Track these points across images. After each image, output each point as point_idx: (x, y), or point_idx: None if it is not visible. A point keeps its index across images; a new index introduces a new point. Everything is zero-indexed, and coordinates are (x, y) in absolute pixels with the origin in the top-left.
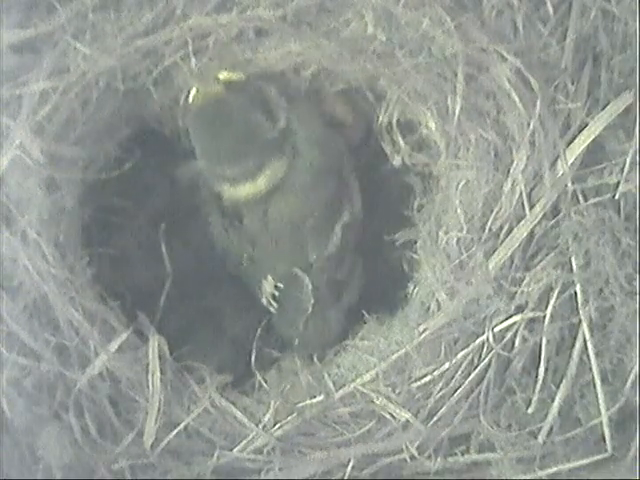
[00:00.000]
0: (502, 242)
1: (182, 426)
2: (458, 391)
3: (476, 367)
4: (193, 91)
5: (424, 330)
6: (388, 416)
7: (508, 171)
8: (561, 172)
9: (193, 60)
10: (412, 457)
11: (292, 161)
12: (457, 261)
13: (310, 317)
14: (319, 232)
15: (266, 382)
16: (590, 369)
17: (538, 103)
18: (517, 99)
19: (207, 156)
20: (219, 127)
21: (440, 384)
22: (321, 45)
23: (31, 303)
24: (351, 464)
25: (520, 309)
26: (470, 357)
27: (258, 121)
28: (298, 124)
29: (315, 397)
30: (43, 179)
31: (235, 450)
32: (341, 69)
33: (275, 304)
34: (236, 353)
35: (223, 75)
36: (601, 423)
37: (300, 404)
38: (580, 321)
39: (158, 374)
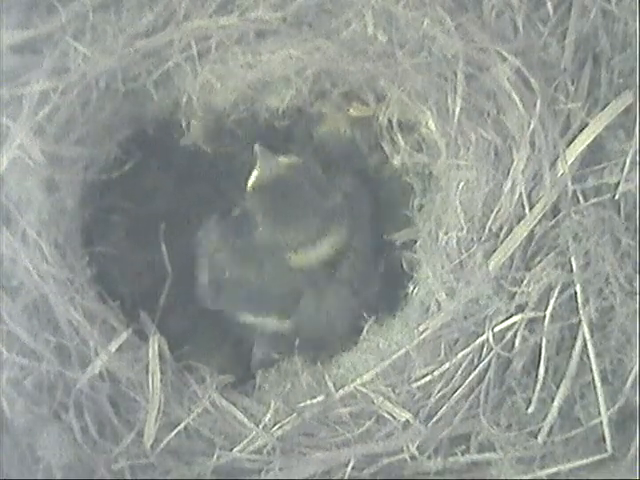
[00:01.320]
0: (502, 242)
1: (182, 426)
2: (458, 391)
3: (476, 367)
4: (255, 173)
5: (424, 330)
6: (388, 416)
7: (508, 171)
8: (561, 172)
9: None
10: (412, 457)
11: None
12: (457, 261)
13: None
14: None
15: (266, 382)
16: (590, 369)
17: (538, 103)
18: (517, 99)
19: (273, 228)
20: (285, 203)
21: (440, 384)
22: (321, 46)
23: (31, 303)
24: (351, 464)
25: (520, 309)
26: (470, 357)
27: (316, 195)
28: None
29: (315, 397)
30: (43, 179)
31: (235, 450)
32: (342, 69)
33: None
34: (236, 353)
35: (284, 159)
36: (601, 423)
37: (300, 404)
38: (580, 321)
39: (158, 374)
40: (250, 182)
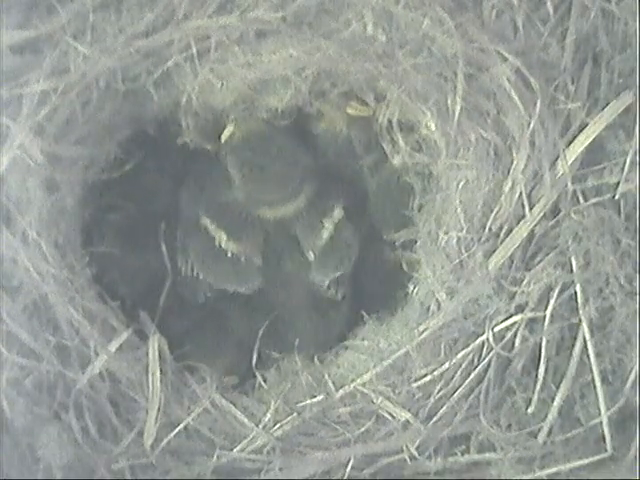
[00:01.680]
0: (502, 242)
1: (182, 426)
2: (458, 391)
3: (476, 367)
4: (228, 131)
5: (424, 330)
6: (388, 416)
7: (508, 171)
8: (561, 172)
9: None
10: (412, 457)
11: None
12: (457, 261)
13: (311, 316)
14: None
15: (266, 382)
16: (590, 369)
17: (538, 103)
18: (517, 99)
19: (250, 185)
20: (262, 158)
21: (440, 384)
22: (321, 46)
23: (31, 303)
24: (351, 464)
25: (520, 309)
26: (470, 357)
27: (294, 151)
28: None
29: (315, 397)
30: (43, 179)
31: (235, 450)
32: (341, 69)
33: None
34: (237, 353)
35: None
36: (601, 423)
37: (300, 404)
38: (580, 321)
39: (158, 374)
40: (224, 136)
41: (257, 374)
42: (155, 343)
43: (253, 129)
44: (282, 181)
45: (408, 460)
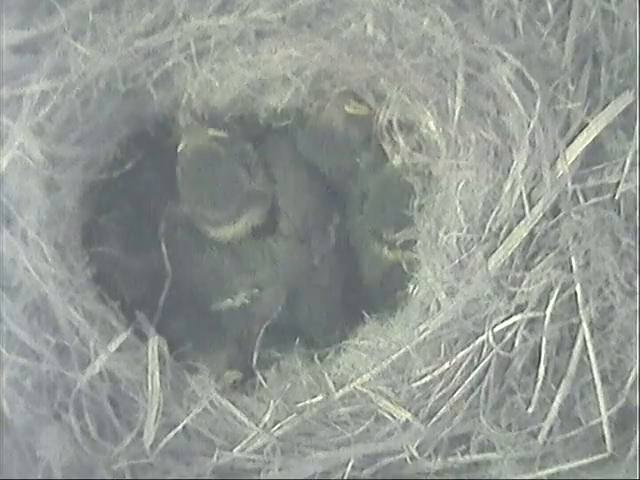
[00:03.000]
0: (502, 242)
1: (181, 426)
2: (458, 391)
3: (476, 367)
4: (182, 143)
5: (424, 330)
6: (388, 416)
7: (508, 171)
8: (561, 172)
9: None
10: (412, 457)
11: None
12: (457, 261)
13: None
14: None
15: (266, 382)
16: (590, 369)
17: (538, 103)
18: (517, 99)
19: (192, 200)
20: (205, 176)
21: (440, 384)
22: (321, 46)
23: (31, 303)
24: (351, 464)
25: (520, 309)
26: (470, 357)
27: (239, 174)
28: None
29: (315, 397)
30: (43, 179)
31: (235, 450)
32: (341, 70)
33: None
34: (236, 353)
35: (211, 131)
36: (601, 423)
37: (300, 404)
38: (580, 321)
39: (157, 374)
40: (179, 148)
41: (257, 374)
42: (154, 343)
43: (204, 146)
44: (220, 202)
45: (408, 460)
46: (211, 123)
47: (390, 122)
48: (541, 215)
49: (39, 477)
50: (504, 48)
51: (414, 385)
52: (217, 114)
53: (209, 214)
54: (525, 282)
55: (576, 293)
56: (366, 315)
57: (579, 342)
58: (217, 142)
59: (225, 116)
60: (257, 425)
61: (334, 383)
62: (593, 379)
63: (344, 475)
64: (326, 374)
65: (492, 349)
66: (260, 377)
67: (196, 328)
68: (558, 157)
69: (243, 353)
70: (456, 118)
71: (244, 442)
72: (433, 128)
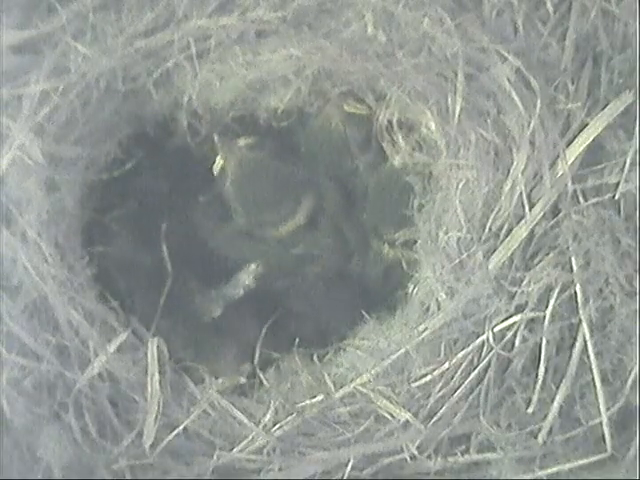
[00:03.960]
0: (502, 242)
1: (181, 427)
2: (458, 391)
3: (476, 367)
4: (219, 161)
5: (424, 330)
6: (388, 416)
7: (508, 171)
8: (561, 172)
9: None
10: (412, 457)
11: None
12: (457, 261)
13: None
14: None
15: (266, 382)
16: (590, 369)
17: (538, 103)
18: (517, 99)
19: (251, 211)
20: (257, 184)
21: (440, 384)
22: (321, 46)
23: (31, 303)
24: (351, 464)
25: (520, 309)
26: (470, 357)
27: (284, 169)
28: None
29: (315, 397)
30: (43, 179)
31: (235, 450)
32: (341, 69)
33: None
34: (236, 353)
35: (242, 141)
36: (601, 423)
37: (300, 404)
38: (580, 321)
39: (157, 375)
40: (215, 170)
41: (259, 374)
42: (154, 344)
43: (244, 159)
44: (279, 202)
45: (408, 460)
46: (241, 132)
47: (390, 122)
48: (541, 215)
49: (39, 477)
50: (504, 48)
51: (414, 385)
52: (217, 114)
53: (271, 217)
54: (525, 282)
55: (576, 293)
56: (366, 315)
57: (579, 342)
58: (251, 149)
59: (225, 116)
60: (257, 425)
61: (334, 383)
62: (593, 379)
63: (344, 475)
64: (326, 374)
65: (492, 349)
66: (260, 377)
67: (196, 328)
68: (558, 157)
69: (243, 353)
70: (456, 118)
71: (244, 442)
72: (433, 128)
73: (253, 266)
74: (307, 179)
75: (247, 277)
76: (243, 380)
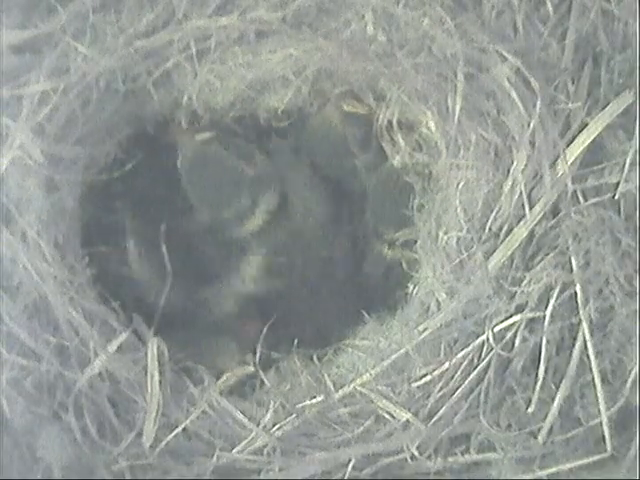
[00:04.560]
0: (502, 242)
1: (181, 427)
2: (458, 391)
3: (476, 367)
4: (179, 157)
5: (424, 330)
6: (388, 416)
7: (508, 171)
8: (561, 172)
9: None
10: (412, 457)
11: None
12: (457, 261)
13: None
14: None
15: (266, 382)
16: (590, 369)
17: (538, 103)
18: (517, 99)
19: (207, 206)
20: (208, 179)
21: (440, 384)
22: (321, 46)
23: (31, 303)
24: (351, 464)
25: (520, 309)
26: (470, 357)
27: (239, 166)
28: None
29: (315, 397)
30: (43, 179)
31: (235, 451)
32: (341, 69)
33: None
34: (236, 353)
35: (198, 136)
36: (601, 423)
37: (300, 404)
38: (580, 321)
39: (157, 375)
40: (178, 164)
41: (260, 373)
42: (154, 345)
43: (197, 153)
44: (232, 197)
45: (408, 460)
46: (198, 128)
47: (390, 122)
48: (541, 215)
49: (39, 477)
50: (504, 48)
51: (414, 385)
52: (217, 114)
53: (227, 213)
54: (525, 282)
55: (576, 293)
56: (366, 315)
57: (579, 342)
58: (207, 144)
59: (225, 116)
60: (257, 426)
61: (334, 383)
62: (593, 379)
63: (344, 475)
64: (326, 374)
65: (492, 349)
66: (260, 378)
67: (196, 328)
68: (558, 157)
69: (243, 354)
70: (456, 118)
71: (244, 443)
72: (433, 128)
73: (259, 259)
74: (270, 176)
75: (254, 271)
76: (251, 369)
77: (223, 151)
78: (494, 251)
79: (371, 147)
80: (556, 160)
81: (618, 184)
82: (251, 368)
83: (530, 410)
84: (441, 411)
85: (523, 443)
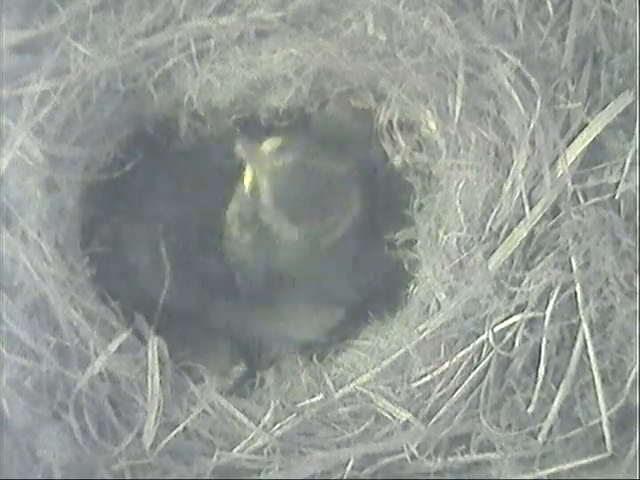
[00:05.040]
0: (502, 242)
1: (181, 427)
2: (458, 391)
3: (476, 367)
4: (249, 173)
5: (424, 330)
6: (388, 416)
7: (508, 171)
8: (561, 172)
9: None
10: (412, 457)
11: None
12: (457, 261)
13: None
14: None
15: (266, 382)
16: (590, 369)
17: (538, 103)
18: (517, 99)
19: (294, 218)
20: (305, 192)
21: (440, 384)
22: (321, 46)
23: (31, 303)
24: (351, 464)
25: (520, 309)
26: (470, 357)
27: (327, 168)
28: None
29: (315, 397)
30: (43, 179)
31: (235, 450)
32: (342, 69)
33: None
34: (237, 353)
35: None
36: (601, 423)
37: (300, 404)
38: (580, 321)
39: (157, 375)
40: (247, 186)
41: (259, 374)
42: (154, 344)
43: (274, 167)
44: (330, 203)
45: (408, 460)
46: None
47: (390, 122)
48: (541, 215)
49: (39, 477)
50: (504, 48)
51: (414, 385)
52: (218, 114)
53: (324, 223)
54: (525, 282)
55: (576, 293)
56: (366, 315)
57: (579, 342)
58: (281, 153)
59: (226, 116)
60: (257, 425)
61: (334, 383)
62: (593, 379)
63: (344, 475)
64: (326, 374)
65: (492, 349)
66: (260, 378)
67: (196, 328)
68: (558, 157)
69: (243, 354)
70: (456, 118)
71: (244, 442)
72: (433, 128)
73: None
74: (345, 174)
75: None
76: (244, 367)
77: (306, 158)
78: (494, 251)
79: (373, 147)
80: (556, 160)
81: (618, 184)
82: (244, 367)
83: (530, 410)
84: (441, 411)
85: (523, 443)
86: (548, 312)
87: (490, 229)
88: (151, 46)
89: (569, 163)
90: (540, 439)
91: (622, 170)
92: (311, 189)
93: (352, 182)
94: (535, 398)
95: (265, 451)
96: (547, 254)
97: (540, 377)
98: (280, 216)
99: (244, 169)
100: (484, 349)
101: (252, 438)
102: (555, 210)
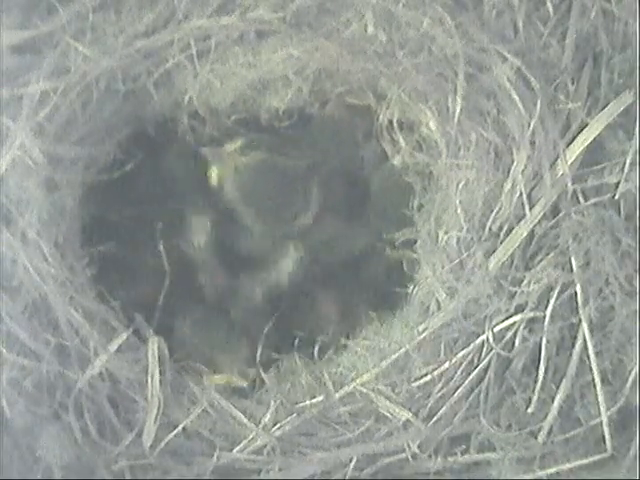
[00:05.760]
0: (502, 242)
1: (181, 427)
2: (458, 391)
3: (476, 367)
4: (214, 173)
5: (424, 330)
6: (388, 416)
7: (508, 171)
8: (561, 172)
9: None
10: (412, 457)
11: None
12: (457, 261)
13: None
14: None
15: (266, 382)
16: (590, 369)
17: (538, 103)
18: (517, 99)
19: (266, 216)
20: (267, 189)
21: (440, 384)
22: (321, 46)
23: (31, 303)
24: (351, 464)
25: (520, 309)
26: (470, 357)
27: (287, 162)
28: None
29: (315, 397)
30: (43, 179)
31: (235, 450)
32: (342, 69)
33: None
34: (236, 354)
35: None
36: (601, 423)
37: (300, 404)
38: (580, 321)
39: (157, 375)
40: (213, 181)
41: (262, 373)
42: (154, 344)
43: (236, 164)
44: (291, 195)
45: (409, 459)
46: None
47: (390, 122)
48: (541, 215)
49: (39, 477)
50: (504, 48)
51: (414, 385)
52: (218, 115)
53: (286, 214)
54: (525, 282)
55: (576, 293)
56: (366, 315)
57: (579, 342)
58: (243, 152)
59: (226, 117)
60: (257, 425)
61: (334, 383)
62: (593, 379)
63: (344, 475)
64: (326, 374)
65: (492, 349)
66: (260, 377)
67: (196, 328)
68: (558, 157)
69: (243, 353)
70: (456, 118)
71: (244, 442)
72: (433, 128)
73: (292, 251)
74: (312, 170)
75: (289, 263)
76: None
77: (269, 155)
78: (494, 251)
79: (373, 146)
80: (556, 160)
81: (618, 184)
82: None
83: (530, 410)
84: (441, 411)
85: (523, 443)
86: (548, 312)
87: (490, 229)
88: (151, 46)
89: (569, 163)
90: (540, 439)
91: (622, 170)
92: (273, 185)
93: (313, 177)
94: (535, 398)
95: (265, 451)
96: (547, 254)
97: (540, 377)
98: (245, 211)
99: (209, 169)
100: (484, 349)
101: (252, 438)
102: (555, 210)
